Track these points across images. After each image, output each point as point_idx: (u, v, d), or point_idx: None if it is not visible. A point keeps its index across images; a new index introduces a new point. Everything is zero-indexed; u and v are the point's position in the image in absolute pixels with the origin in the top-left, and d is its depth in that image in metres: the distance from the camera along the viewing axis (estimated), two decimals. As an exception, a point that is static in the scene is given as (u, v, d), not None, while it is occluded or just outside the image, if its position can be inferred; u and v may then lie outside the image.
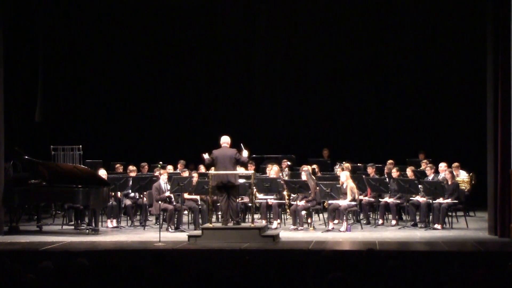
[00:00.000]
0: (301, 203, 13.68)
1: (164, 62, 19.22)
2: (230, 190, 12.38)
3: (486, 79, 12.81)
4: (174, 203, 13.84)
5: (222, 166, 12.35)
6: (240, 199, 13.44)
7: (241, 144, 12.66)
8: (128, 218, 14.64)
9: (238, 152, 12.46)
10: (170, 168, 15.34)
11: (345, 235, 12.95)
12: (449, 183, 13.86)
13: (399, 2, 18.27)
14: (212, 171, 13.11)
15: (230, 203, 12.35)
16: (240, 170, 13.62)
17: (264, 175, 14.75)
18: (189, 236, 12.18)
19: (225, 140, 12.57)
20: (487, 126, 12.76)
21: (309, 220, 13.97)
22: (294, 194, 13.77)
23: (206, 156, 12.61)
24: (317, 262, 6.42)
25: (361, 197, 14.26)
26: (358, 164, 16.31)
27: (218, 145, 12.65)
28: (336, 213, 13.98)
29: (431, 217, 13.63)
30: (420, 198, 13.81)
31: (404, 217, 14.65)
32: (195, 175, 14.27)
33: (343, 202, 13.53)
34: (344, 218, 13.55)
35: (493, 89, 12.54)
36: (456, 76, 18.30)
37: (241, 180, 13.48)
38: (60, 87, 18.97)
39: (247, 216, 14.21)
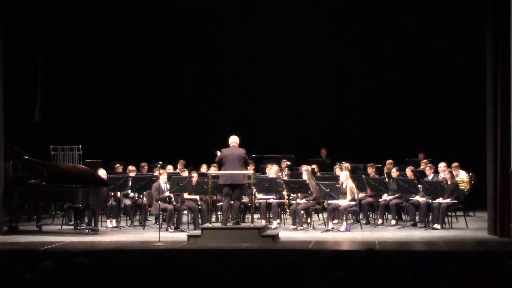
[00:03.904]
0: (302, 201, 13.66)
1: (164, 62, 19.20)
2: (237, 189, 12.39)
3: (486, 79, 12.81)
4: (174, 203, 13.84)
5: (230, 165, 12.31)
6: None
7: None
8: (128, 218, 14.64)
9: (246, 152, 12.48)
10: (170, 168, 15.34)
11: (344, 235, 12.95)
12: (449, 183, 13.87)
13: (398, 2, 18.26)
14: (213, 170, 13.13)
15: (234, 202, 12.35)
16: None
17: (263, 175, 14.74)
18: (189, 236, 12.18)
19: (233, 140, 12.55)
20: (487, 126, 12.75)
21: (308, 220, 13.97)
22: (294, 194, 13.77)
23: (219, 153, 12.61)
24: (317, 262, 6.43)
25: (361, 194, 14.26)
26: (358, 164, 16.31)
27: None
28: (335, 213, 13.99)
29: (430, 217, 13.64)
30: (419, 198, 13.80)
31: (403, 217, 14.65)
32: (194, 175, 14.27)
33: (342, 202, 13.53)
34: (344, 218, 13.55)
35: (493, 89, 12.53)
36: (456, 76, 18.29)
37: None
38: (60, 87, 18.95)
39: (246, 216, 14.21)
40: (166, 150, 17.63)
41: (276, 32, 19.17)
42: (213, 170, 13.59)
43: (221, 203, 13.12)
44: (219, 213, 13.86)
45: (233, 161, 12.28)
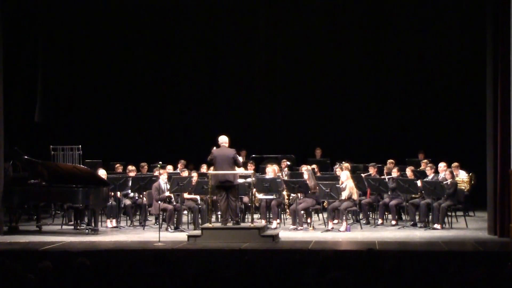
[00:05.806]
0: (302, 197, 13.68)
1: (164, 62, 19.21)
2: (229, 189, 12.39)
3: (485, 79, 12.81)
4: (174, 203, 13.84)
5: (220, 165, 12.37)
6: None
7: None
8: (128, 218, 14.64)
9: (236, 153, 12.51)
10: (169, 168, 15.35)
11: (344, 235, 12.95)
12: (449, 183, 13.86)
13: (398, 3, 18.27)
14: (211, 170, 13.14)
15: (230, 202, 12.36)
16: (240, 169, 13.61)
17: (263, 175, 14.74)
18: (189, 236, 12.19)
19: (223, 140, 12.58)
20: (487, 126, 12.75)
21: (308, 220, 13.97)
22: (294, 194, 13.77)
23: (214, 148, 12.66)
24: (317, 262, 6.43)
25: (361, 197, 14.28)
26: (358, 164, 16.30)
27: (218, 145, 12.65)
28: (335, 213, 13.99)
29: (430, 217, 13.64)
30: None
31: (403, 217, 14.65)
32: (194, 175, 14.27)
33: (343, 199, 13.51)
34: (344, 218, 13.55)
35: (493, 89, 12.53)
36: (456, 76, 18.30)
37: (241, 180, 13.50)
38: (60, 87, 18.96)
39: (246, 216, 14.22)
40: (166, 150, 17.63)
41: (276, 33, 19.16)
42: (213, 170, 13.59)
43: (221, 203, 13.13)
44: (219, 213, 13.84)
45: (223, 163, 12.33)
